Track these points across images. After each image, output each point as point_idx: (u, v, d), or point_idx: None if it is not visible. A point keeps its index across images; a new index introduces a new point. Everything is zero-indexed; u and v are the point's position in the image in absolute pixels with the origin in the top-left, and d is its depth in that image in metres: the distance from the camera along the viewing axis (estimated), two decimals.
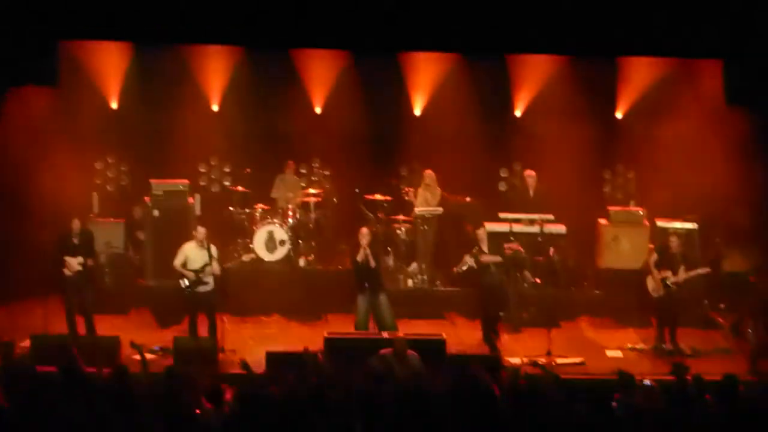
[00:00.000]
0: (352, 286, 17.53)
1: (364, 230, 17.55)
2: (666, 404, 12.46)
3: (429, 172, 20.21)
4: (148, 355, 15.84)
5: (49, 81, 17.25)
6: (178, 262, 17.16)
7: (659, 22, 16.53)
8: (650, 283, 17.95)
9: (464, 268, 18.17)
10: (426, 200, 20.12)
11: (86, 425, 10.47)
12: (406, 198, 20.36)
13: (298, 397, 12.01)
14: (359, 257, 17.28)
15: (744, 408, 11.90)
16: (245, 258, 18.74)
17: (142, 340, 15.65)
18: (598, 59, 19.43)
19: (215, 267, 17.09)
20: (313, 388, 12.28)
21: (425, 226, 19.96)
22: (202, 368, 15.12)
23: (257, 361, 14.85)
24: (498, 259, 17.96)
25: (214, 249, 17.18)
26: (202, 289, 17.12)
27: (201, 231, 17.14)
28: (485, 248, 17.93)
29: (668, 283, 17.78)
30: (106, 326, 17.34)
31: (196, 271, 17.08)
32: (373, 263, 17.29)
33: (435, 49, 18.93)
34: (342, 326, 17.78)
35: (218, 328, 17.00)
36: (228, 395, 12.40)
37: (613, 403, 12.32)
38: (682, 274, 17.75)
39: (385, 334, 16.38)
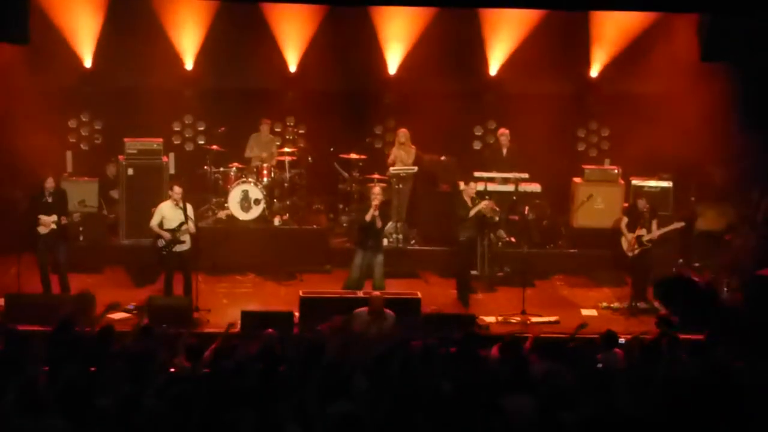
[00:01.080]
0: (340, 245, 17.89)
1: (377, 189, 17.51)
2: (642, 362, 12.50)
3: (403, 131, 20.17)
4: (123, 314, 16.37)
5: (21, 38, 16.92)
6: (154, 222, 17.09)
7: None
8: (624, 243, 17.98)
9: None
10: (400, 159, 20.07)
11: (68, 384, 10.37)
12: (385, 158, 20.36)
13: (274, 355, 11.99)
14: (368, 216, 17.22)
15: (718, 367, 11.92)
16: (220, 214, 18.69)
17: (116, 299, 15.75)
18: (572, 14, 19.36)
19: (191, 226, 17.00)
20: (288, 347, 12.35)
21: (400, 185, 19.95)
22: (178, 327, 15.10)
23: (232, 320, 14.80)
24: (489, 204, 17.94)
25: (190, 208, 17.09)
26: (178, 248, 17.06)
27: (177, 190, 17.02)
28: (471, 203, 17.87)
29: (643, 240, 17.79)
30: (80, 285, 17.20)
31: (172, 231, 17.00)
32: (380, 223, 17.29)
33: (409, 2, 18.82)
34: (317, 285, 17.77)
35: (193, 287, 16.94)
36: (206, 354, 12.39)
37: (598, 364, 12.47)
38: (656, 230, 17.78)
39: (360, 293, 16.45)
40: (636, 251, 17.83)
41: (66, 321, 13.04)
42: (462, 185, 18.14)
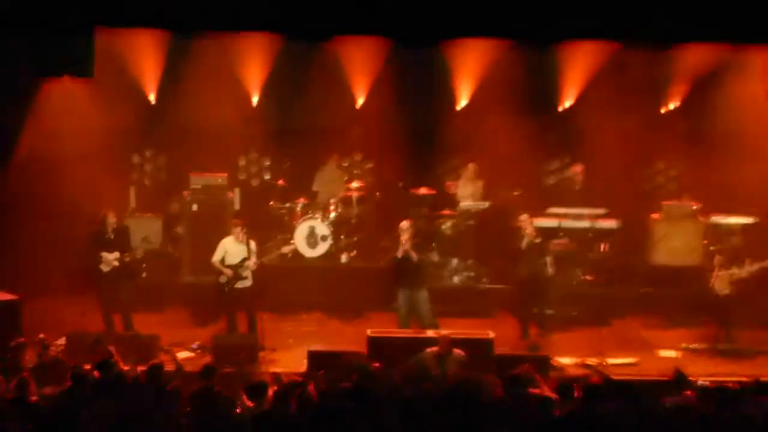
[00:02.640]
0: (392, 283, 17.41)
1: (405, 224, 17.30)
2: (719, 406, 12.16)
3: (472, 165, 20.26)
4: (186, 354, 16.49)
5: (85, 72, 16.91)
6: (216, 257, 17.09)
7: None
8: (718, 283, 17.64)
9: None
10: (470, 194, 20.11)
11: (120, 423, 10.08)
12: (450, 192, 20.38)
13: (338, 397, 12.05)
14: (399, 252, 17.11)
15: None
16: (285, 249, 18.38)
17: (179, 338, 16.39)
18: (646, 48, 18.85)
19: (253, 262, 16.97)
20: (353, 387, 12.22)
21: (470, 221, 19.87)
22: (242, 366, 15.33)
23: (298, 360, 15.05)
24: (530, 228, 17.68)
25: (252, 244, 17.09)
26: (240, 285, 17.04)
27: (239, 227, 17.06)
28: (528, 233, 17.73)
29: (737, 278, 17.52)
30: (142, 323, 17.24)
31: (234, 266, 16.98)
32: (414, 257, 17.02)
33: (481, 34, 18.38)
34: (385, 324, 17.66)
35: (258, 325, 16.91)
36: (270, 393, 12.36)
37: (666, 405, 12.17)
38: (750, 266, 17.45)
39: (430, 333, 16.21)
40: (727, 290, 17.47)
41: (106, 358, 13.05)
42: (522, 218, 17.92)
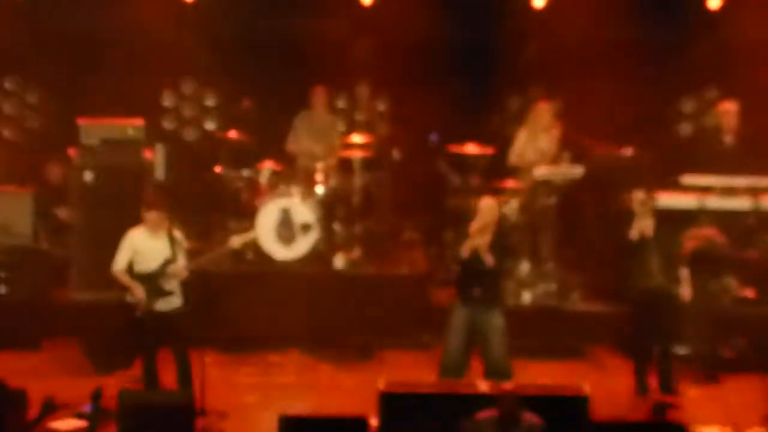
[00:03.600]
0: (449, 299, 17.47)
1: (487, 204, 17.09)
2: None
3: (544, 105, 20.22)
4: (75, 422, 16.11)
5: None
6: (120, 264, 16.78)
7: None
8: None
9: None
10: (542, 153, 20.04)
11: None
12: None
13: None
14: (465, 250, 16.83)
15: None
16: (235, 242, 17.74)
17: (63, 395, 15.77)
18: None
19: (182, 267, 16.59)
20: None
21: (551, 198, 19.61)
22: None
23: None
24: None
25: (180, 237, 16.85)
26: (162, 306, 16.66)
27: (154, 214, 16.64)
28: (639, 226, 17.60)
29: None
30: (5, 370, 16.82)
31: (150, 276, 16.60)
32: (491, 261, 16.79)
33: None
34: (408, 371, 17.82)
35: (195, 373, 16.61)
36: None
37: None
38: None
39: (483, 386, 15.84)
40: None
41: None
42: (637, 195, 17.83)
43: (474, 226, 16.91)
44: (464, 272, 17.13)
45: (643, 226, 17.39)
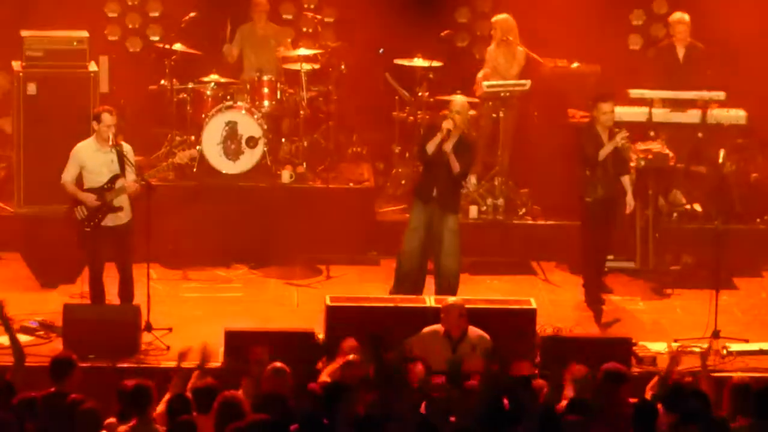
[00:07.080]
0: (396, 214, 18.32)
1: (459, 101, 17.46)
2: None
3: (504, 19, 20.14)
4: (21, 337, 15.71)
5: None
6: (68, 175, 16.88)
7: None
8: None
9: None
10: (500, 67, 20.07)
11: None
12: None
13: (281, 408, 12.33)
14: (430, 145, 17.09)
15: None
16: (180, 157, 18.07)
17: (10, 309, 15.26)
18: None
19: (131, 181, 16.65)
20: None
21: (500, 113, 19.75)
22: (114, 358, 15.60)
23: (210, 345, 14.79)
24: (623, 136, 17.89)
25: (129, 150, 16.86)
26: (110, 221, 16.79)
27: (107, 120, 16.59)
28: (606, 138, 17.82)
29: None
30: None
31: (98, 190, 16.66)
32: (456, 166, 16.92)
33: None
34: (355, 286, 18.10)
35: (139, 288, 16.83)
36: (159, 406, 12.76)
37: None
38: None
39: (429, 299, 16.28)
40: None
41: None
42: (597, 109, 17.90)
43: (446, 124, 17.06)
44: (426, 172, 17.43)
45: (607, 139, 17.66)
